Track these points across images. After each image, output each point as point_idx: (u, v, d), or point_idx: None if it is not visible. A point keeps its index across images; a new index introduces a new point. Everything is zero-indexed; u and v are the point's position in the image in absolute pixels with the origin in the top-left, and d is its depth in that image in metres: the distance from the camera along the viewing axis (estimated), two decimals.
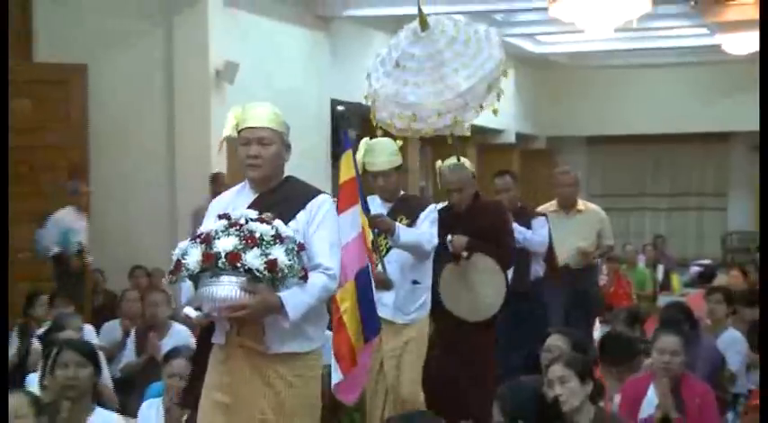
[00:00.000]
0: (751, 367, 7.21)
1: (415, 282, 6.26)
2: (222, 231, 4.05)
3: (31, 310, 8.35)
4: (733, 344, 7.19)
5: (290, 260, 4.03)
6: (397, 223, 6.08)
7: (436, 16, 6.76)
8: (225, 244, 3.98)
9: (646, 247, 17.67)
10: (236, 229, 4.05)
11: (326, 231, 4.35)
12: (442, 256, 6.56)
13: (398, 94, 6.39)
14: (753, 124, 19.08)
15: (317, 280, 4.22)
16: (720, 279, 13.80)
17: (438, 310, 6.58)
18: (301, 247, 4.14)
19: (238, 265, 3.96)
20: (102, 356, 6.05)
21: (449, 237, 6.59)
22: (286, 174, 4.54)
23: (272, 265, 3.98)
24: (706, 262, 17.98)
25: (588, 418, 4.64)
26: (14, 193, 9.30)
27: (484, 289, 6.60)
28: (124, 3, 10.77)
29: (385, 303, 6.10)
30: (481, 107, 6.48)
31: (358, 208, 5.72)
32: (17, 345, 7.59)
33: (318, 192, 4.48)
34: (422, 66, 6.40)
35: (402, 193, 6.49)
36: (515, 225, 7.58)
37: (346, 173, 5.83)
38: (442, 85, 6.34)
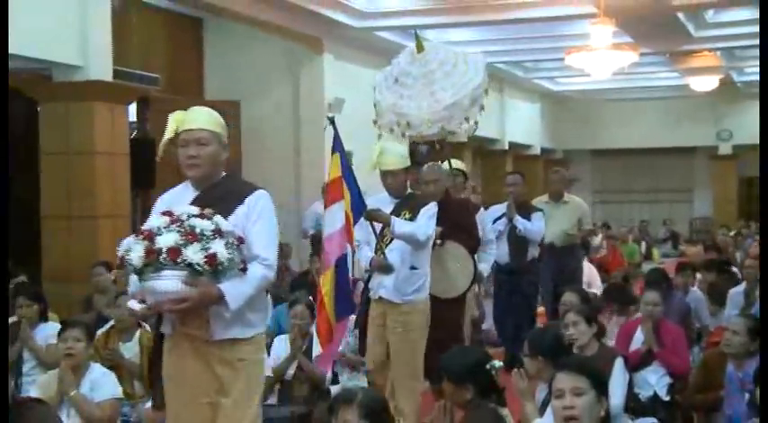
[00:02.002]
0: (711, 314, 7.11)
1: (413, 267, 5.24)
2: (164, 228, 3.23)
3: None
4: (698, 300, 7.11)
5: (229, 254, 3.21)
6: (393, 217, 5.18)
7: (432, 42, 6.26)
8: (166, 240, 3.17)
9: (633, 229, 17.55)
10: (178, 226, 3.22)
11: (264, 225, 3.45)
12: None
13: (396, 105, 5.73)
14: (711, 141, 18.98)
15: (255, 271, 3.35)
16: (688, 250, 13.75)
17: None
18: (240, 240, 3.30)
19: (179, 260, 3.15)
20: None
21: None
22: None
23: (211, 259, 3.18)
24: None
25: (593, 351, 4.59)
26: None
27: (455, 271, 5.80)
28: (267, 57, 10.86)
29: (386, 285, 5.24)
30: (466, 119, 5.77)
31: (342, 204, 4.93)
32: None
33: (256, 188, 3.56)
34: (416, 82, 5.78)
35: (409, 190, 5.50)
36: (517, 217, 7.23)
37: (333, 173, 5.05)
38: (432, 100, 5.69)
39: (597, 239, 15.12)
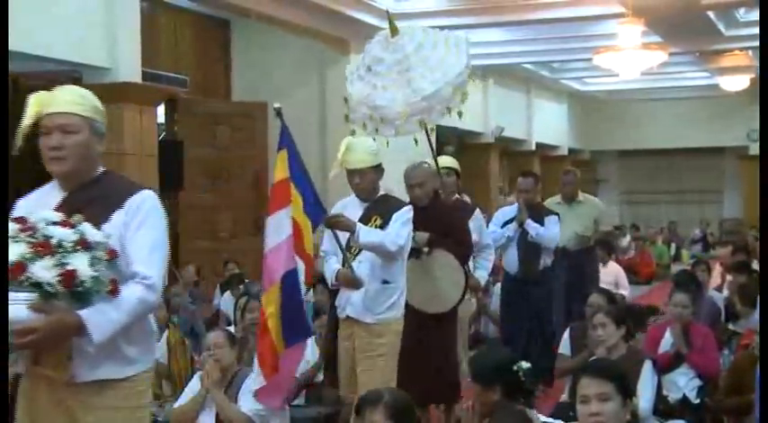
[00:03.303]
0: (741, 316, 7.04)
1: (385, 281, 4.57)
2: (12, 237, 2.47)
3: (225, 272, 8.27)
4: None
5: (95, 270, 2.47)
6: (359, 224, 4.47)
7: (408, 24, 5.49)
8: (11, 253, 2.42)
9: (662, 230, 17.44)
10: (28, 235, 2.47)
11: (147, 234, 2.68)
12: None
13: (369, 97, 5.04)
14: (741, 141, 18.78)
15: (130, 293, 2.59)
16: (718, 251, 13.62)
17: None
18: (113, 254, 2.56)
19: (22, 278, 2.40)
20: None
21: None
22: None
23: (67, 276, 2.42)
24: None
25: (621, 352, 4.56)
26: (216, 189, 9.59)
27: (443, 283, 5.08)
28: (294, 58, 10.89)
29: (353, 302, 4.58)
30: (448, 109, 5.11)
31: (289, 210, 4.17)
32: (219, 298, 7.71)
33: (140, 187, 2.80)
34: (390, 70, 5.07)
35: (381, 193, 4.73)
36: (529, 221, 6.48)
37: (280, 173, 4.28)
38: (409, 89, 4.98)
39: (625, 240, 15.04)
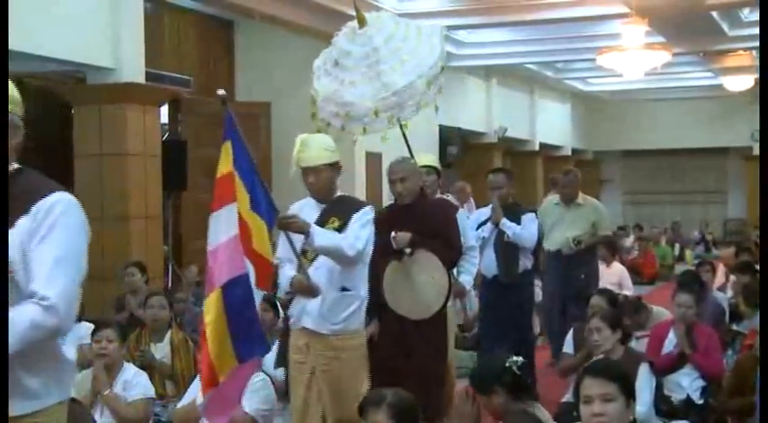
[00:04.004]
0: (745, 316, 7.04)
1: (344, 289, 4.18)
2: None
3: None
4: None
5: None
6: (313, 226, 4.06)
7: (378, 13, 5.07)
8: None
9: (666, 230, 17.43)
10: None
11: (52, 246, 2.25)
12: (387, 252, 4.60)
13: (336, 93, 4.68)
14: (745, 141, 18.77)
15: (21, 315, 2.18)
16: (722, 251, 13.62)
17: (382, 307, 4.66)
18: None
19: None
20: None
21: (392, 232, 4.60)
22: None
23: None
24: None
25: (618, 355, 4.56)
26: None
27: (426, 287, 4.63)
28: (297, 58, 10.88)
29: (309, 312, 4.17)
30: (421, 105, 4.73)
31: (234, 207, 3.76)
32: None
33: (54, 189, 2.34)
34: (358, 64, 4.69)
35: (339, 193, 4.36)
36: (504, 220, 6.04)
37: (223, 167, 3.85)
38: (379, 84, 4.61)
39: (629, 241, 15.03)
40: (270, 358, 4.85)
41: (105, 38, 7.06)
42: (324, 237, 4.07)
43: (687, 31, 11.28)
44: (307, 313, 4.20)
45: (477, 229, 6.04)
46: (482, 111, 14.82)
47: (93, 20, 6.98)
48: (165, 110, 8.73)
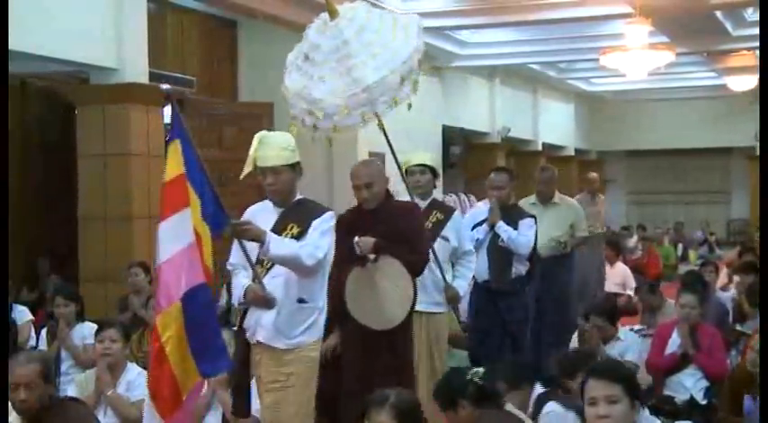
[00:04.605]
0: (749, 316, 7.04)
1: (301, 300, 3.94)
2: None
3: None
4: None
5: None
6: (269, 233, 3.79)
7: (352, 3, 4.65)
8: None
9: (669, 230, 17.42)
10: None
11: None
12: (350, 258, 4.32)
13: (305, 90, 4.40)
14: (749, 141, 18.75)
15: None
16: (726, 253, 13.65)
17: (345, 315, 4.33)
18: None
19: None
20: None
21: (356, 238, 4.31)
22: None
23: None
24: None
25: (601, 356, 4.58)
26: (224, 191, 9.54)
27: (390, 296, 4.30)
28: None
29: (263, 325, 3.92)
30: (395, 101, 4.40)
31: (187, 212, 3.52)
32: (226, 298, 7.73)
33: None
34: (327, 58, 4.38)
35: (299, 196, 4.11)
36: (501, 223, 5.71)
37: (173, 169, 3.59)
38: (349, 79, 4.30)
39: (632, 241, 15.01)
40: None
41: (108, 38, 7.06)
42: (281, 245, 3.80)
43: (691, 31, 11.27)
44: (261, 326, 3.94)
45: (473, 229, 5.77)
46: (485, 111, 14.81)
47: (97, 20, 6.98)
48: (168, 110, 8.74)
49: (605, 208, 9.81)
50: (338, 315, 4.31)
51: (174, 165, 3.55)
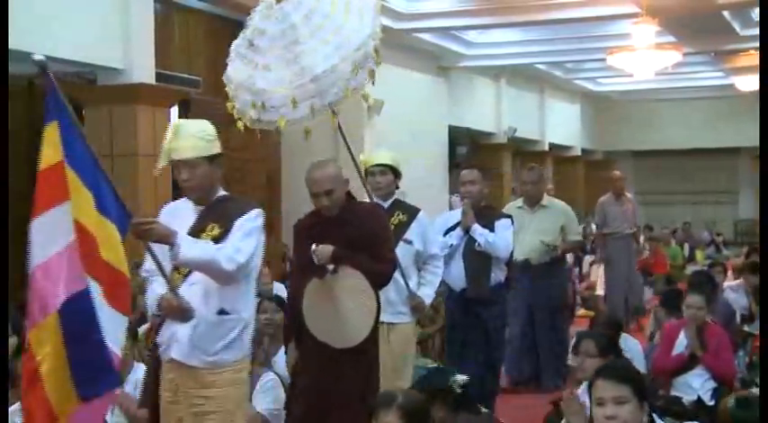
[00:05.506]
0: (756, 317, 7.05)
1: (222, 311, 3.42)
2: None
3: None
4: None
5: None
6: (180, 234, 3.29)
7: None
8: None
9: (677, 230, 17.41)
10: None
11: None
12: (308, 267, 3.95)
13: (250, 79, 3.97)
14: (756, 141, 18.67)
15: None
16: (733, 252, 13.67)
17: (303, 330, 3.96)
18: None
19: None
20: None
21: (313, 246, 3.91)
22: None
23: None
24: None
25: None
26: (229, 190, 9.54)
27: (350, 311, 3.89)
28: None
29: (179, 340, 3.41)
30: (348, 92, 3.98)
31: (66, 207, 2.96)
32: None
33: None
34: (273, 44, 3.95)
35: (221, 193, 3.59)
36: (476, 226, 5.31)
37: (48, 157, 2.97)
38: (297, 68, 3.89)
39: (639, 241, 15.00)
40: (281, 357, 4.76)
41: (115, 39, 7.09)
42: (193, 248, 3.28)
43: (698, 31, 11.26)
44: (177, 341, 3.42)
45: (445, 234, 5.39)
46: (491, 111, 14.82)
47: (104, 21, 7.01)
48: (174, 110, 8.76)
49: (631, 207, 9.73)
50: (295, 329, 3.99)
51: (51, 151, 2.95)
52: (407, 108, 11.51)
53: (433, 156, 12.20)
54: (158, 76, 7.64)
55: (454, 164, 13.26)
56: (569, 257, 9.39)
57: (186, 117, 9.67)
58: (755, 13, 11.43)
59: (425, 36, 11.28)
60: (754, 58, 13.85)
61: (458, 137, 13.70)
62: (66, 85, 7.64)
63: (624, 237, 9.30)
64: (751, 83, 15.18)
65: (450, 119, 13.07)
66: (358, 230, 3.96)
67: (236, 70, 4.06)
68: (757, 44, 12.70)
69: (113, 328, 3.07)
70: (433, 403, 3.51)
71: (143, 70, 7.28)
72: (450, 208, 10.89)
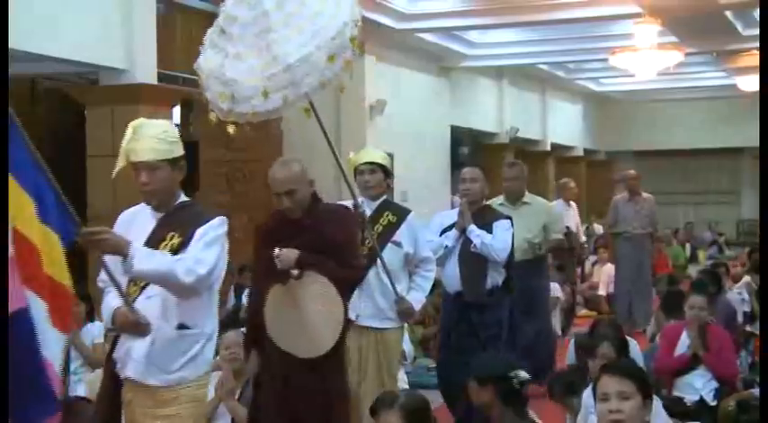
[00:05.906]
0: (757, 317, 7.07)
1: (182, 326, 3.21)
2: None
3: (240, 278, 8.16)
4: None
5: None
6: (133, 245, 3.08)
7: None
8: None
9: (679, 231, 17.42)
10: None
11: None
12: (273, 272, 3.72)
13: (221, 69, 3.73)
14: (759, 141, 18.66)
15: None
16: (735, 252, 13.67)
17: (266, 338, 3.76)
18: None
19: None
20: None
21: (276, 250, 3.70)
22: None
23: None
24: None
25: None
26: (232, 191, 9.58)
27: (316, 319, 3.68)
28: None
29: (135, 357, 3.20)
30: (322, 83, 3.76)
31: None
32: (233, 301, 7.79)
33: None
34: (245, 32, 3.72)
35: (182, 199, 3.40)
36: (472, 227, 5.14)
37: None
38: (269, 57, 3.63)
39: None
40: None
41: (118, 39, 7.09)
42: (149, 260, 3.07)
43: (700, 31, 11.24)
44: (132, 358, 3.21)
45: (441, 235, 5.25)
46: (494, 111, 14.82)
47: (106, 21, 7.01)
48: (177, 111, 8.77)
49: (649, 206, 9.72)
50: (257, 336, 3.80)
51: None
52: (409, 108, 11.51)
53: (435, 156, 12.21)
54: (160, 76, 7.64)
55: (456, 164, 13.27)
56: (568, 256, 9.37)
57: (188, 117, 9.70)
58: (758, 14, 11.42)
59: (427, 36, 11.28)
60: (756, 59, 13.83)
61: (460, 137, 13.69)
62: (68, 86, 7.69)
63: (634, 237, 9.28)
64: (753, 83, 15.17)
65: (452, 119, 13.07)
66: (322, 234, 3.74)
67: (207, 59, 3.82)
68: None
69: (56, 349, 2.91)
70: (485, 383, 3.49)
71: (145, 70, 7.28)
72: (452, 208, 10.88)
